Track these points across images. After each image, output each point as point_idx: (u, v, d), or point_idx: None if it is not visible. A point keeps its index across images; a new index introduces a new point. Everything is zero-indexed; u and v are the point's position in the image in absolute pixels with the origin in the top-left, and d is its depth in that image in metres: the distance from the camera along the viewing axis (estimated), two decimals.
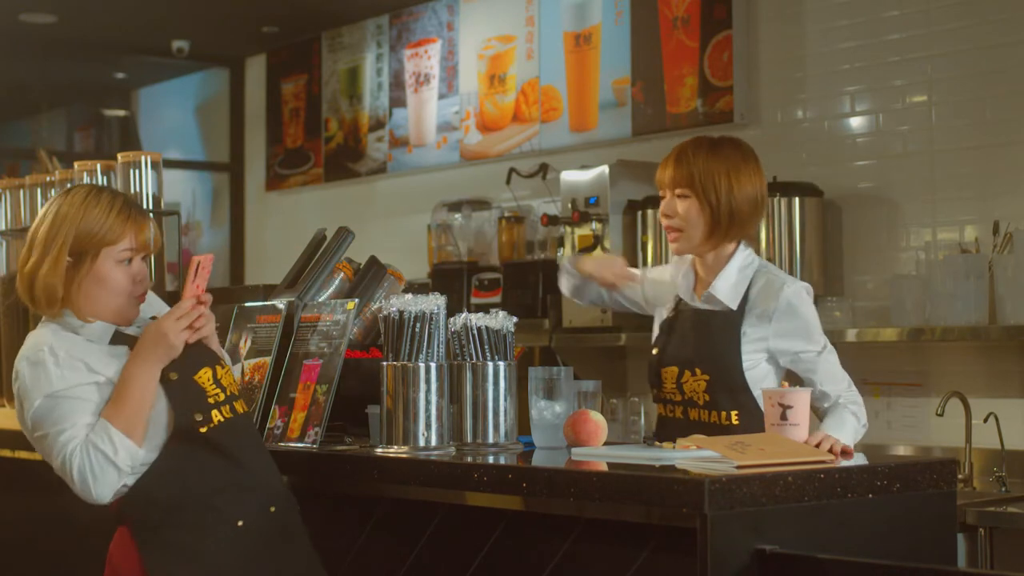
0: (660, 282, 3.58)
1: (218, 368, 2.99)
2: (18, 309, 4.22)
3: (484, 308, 3.35)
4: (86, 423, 2.86)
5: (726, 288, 3.39)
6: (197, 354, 2.96)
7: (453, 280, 6.24)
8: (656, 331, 3.55)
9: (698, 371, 3.37)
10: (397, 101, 7.22)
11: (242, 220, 8.27)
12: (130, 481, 2.89)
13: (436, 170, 7.05)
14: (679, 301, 3.49)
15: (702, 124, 5.71)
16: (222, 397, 2.96)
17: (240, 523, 2.91)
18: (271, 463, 3.04)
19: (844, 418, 3.34)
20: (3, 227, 4.45)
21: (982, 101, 4.99)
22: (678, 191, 3.39)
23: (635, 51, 6.03)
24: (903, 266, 5.14)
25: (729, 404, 3.35)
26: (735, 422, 3.34)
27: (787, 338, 3.37)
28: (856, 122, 5.35)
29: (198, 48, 8.02)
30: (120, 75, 8.98)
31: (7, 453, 4.08)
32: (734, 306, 3.38)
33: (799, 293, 3.39)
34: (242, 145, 8.40)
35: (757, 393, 3.33)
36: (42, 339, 2.92)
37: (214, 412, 2.94)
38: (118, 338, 2.96)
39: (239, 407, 2.99)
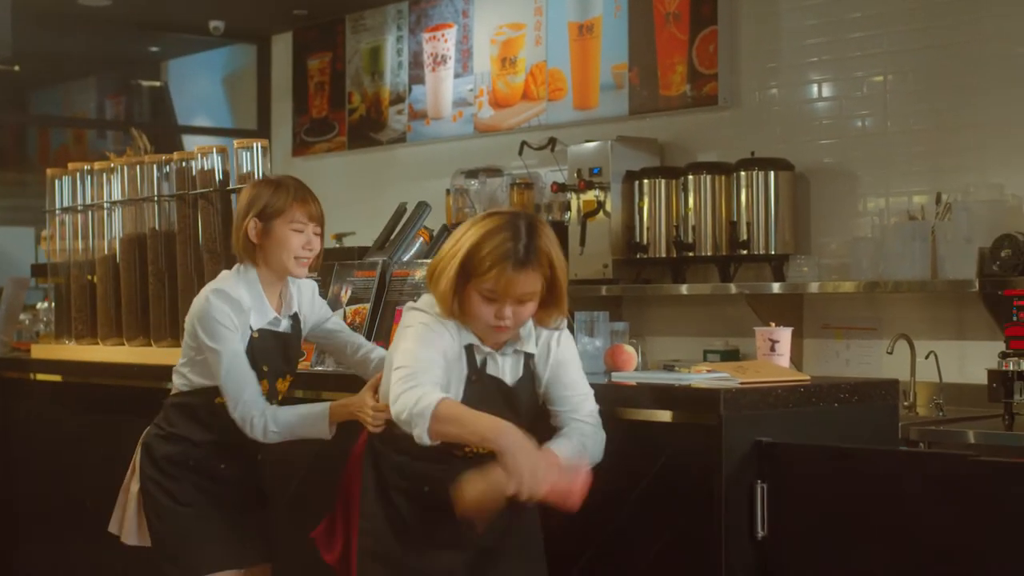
0: None
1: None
2: (162, 272, 4.86)
3: None
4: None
5: None
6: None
7: None
8: None
9: None
10: (416, 79, 7.70)
11: None
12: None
13: (452, 140, 7.47)
14: None
15: (690, 106, 6.27)
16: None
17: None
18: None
19: None
20: (119, 197, 5.06)
21: (931, 92, 5.42)
22: None
23: (632, 41, 6.54)
24: (861, 229, 5.61)
25: None
26: None
27: None
28: (822, 106, 5.83)
29: (231, 27, 8.41)
30: (153, 48, 9.37)
31: None
32: None
33: None
34: (268, 114, 8.77)
35: None
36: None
37: None
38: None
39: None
